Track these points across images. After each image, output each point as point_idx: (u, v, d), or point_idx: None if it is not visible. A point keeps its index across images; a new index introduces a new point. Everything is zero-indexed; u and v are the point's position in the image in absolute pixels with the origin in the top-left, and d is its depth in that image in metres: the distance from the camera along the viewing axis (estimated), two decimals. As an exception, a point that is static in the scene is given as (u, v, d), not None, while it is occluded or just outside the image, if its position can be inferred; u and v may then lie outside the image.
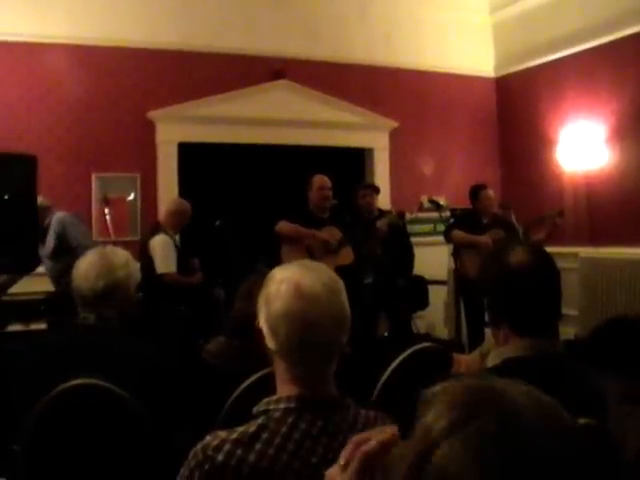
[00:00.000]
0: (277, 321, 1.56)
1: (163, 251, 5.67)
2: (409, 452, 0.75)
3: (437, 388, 0.78)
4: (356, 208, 6.45)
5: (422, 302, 7.02)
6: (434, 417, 0.74)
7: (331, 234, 5.70)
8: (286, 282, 1.57)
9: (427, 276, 7.09)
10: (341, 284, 1.63)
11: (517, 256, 1.86)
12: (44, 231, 5.26)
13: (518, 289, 1.84)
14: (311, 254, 5.53)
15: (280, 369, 1.61)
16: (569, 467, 0.70)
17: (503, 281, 1.88)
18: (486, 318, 1.94)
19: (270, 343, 1.59)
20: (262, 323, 1.60)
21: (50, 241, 5.23)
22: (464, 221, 6.65)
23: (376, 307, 6.23)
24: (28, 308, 5.51)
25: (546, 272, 1.87)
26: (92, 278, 2.48)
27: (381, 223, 5.97)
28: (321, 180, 5.82)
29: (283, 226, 5.67)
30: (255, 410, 1.57)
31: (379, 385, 2.63)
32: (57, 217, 5.31)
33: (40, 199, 5.22)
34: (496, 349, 1.87)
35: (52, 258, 5.24)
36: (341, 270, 5.45)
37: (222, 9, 7.49)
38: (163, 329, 5.02)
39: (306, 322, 1.53)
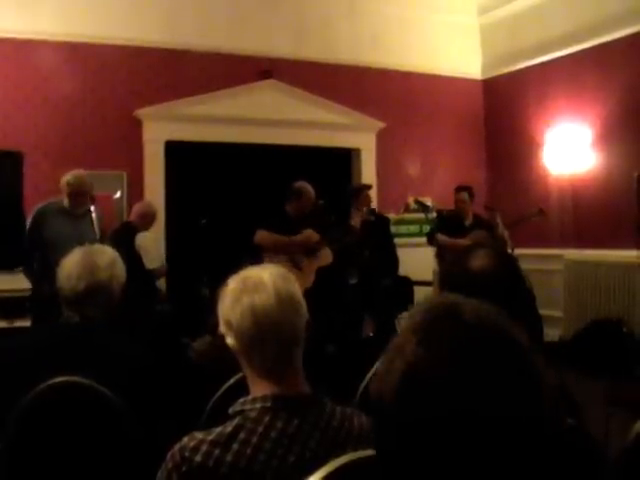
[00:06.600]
0: (229, 315, 1.62)
1: (151, 247, 5.94)
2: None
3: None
4: (348, 208, 6.46)
5: (407, 302, 7.02)
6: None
7: (308, 237, 5.66)
8: (234, 280, 1.67)
9: (413, 277, 7.10)
10: (290, 275, 1.70)
11: (478, 260, 1.91)
12: (86, 213, 4.89)
13: (477, 293, 1.89)
14: (293, 260, 5.54)
15: (247, 370, 1.63)
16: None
17: (464, 285, 1.94)
18: None
19: (229, 341, 1.63)
20: (221, 325, 1.65)
21: (93, 233, 4.75)
22: (446, 224, 6.72)
23: (361, 307, 6.23)
24: (12, 305, 5.47)
25: (503, 276, 1.94)
26: (74, 279, 2.45)
27: (354, 221, 5.96)
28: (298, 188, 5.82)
29: (262, 239, 5.63)
30: (231, 410, 1.58)
31: (362, 385, 2.63)
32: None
33: (83, 174, 5.01)
34: None
35: None
36: (325, 271, 5.45)
37: (210, 8, 7.48)
38: (145, 328, 5.00)
39: (256, 309, 1.58)
